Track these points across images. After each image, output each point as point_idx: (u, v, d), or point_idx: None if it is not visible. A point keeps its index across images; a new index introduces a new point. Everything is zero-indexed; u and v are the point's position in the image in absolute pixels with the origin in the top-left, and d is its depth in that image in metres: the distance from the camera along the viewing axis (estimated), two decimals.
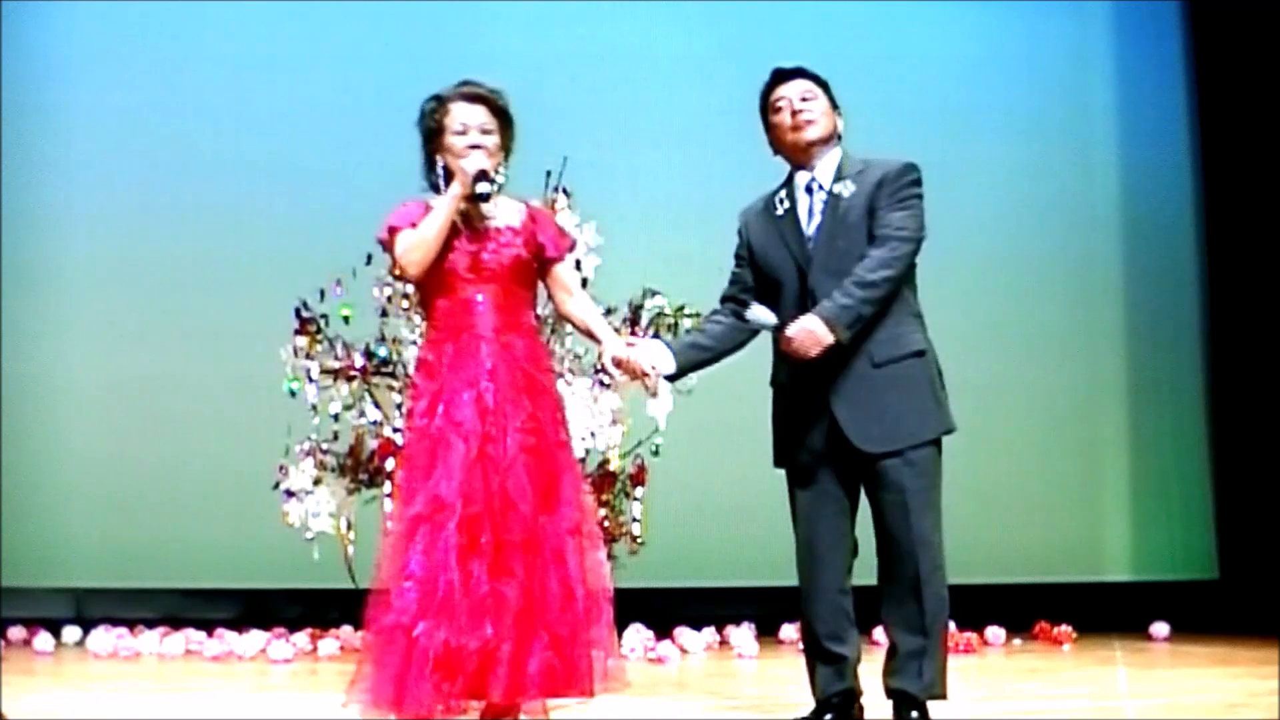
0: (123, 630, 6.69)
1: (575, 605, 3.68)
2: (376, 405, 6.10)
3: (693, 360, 4.12)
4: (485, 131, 3.81)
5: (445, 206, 3.72)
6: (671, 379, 4.17)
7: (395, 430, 5.92)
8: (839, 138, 4.06)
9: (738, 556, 7.19)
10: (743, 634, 6.80)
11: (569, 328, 6.00)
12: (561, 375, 6.01)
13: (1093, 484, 8.11)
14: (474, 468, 3.62)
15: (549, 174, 6.09)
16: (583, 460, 6.06)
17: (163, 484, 7.28)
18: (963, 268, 7.38)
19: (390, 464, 5.86)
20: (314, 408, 6.02)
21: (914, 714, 3.92)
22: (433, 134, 3.83)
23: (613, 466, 6.07)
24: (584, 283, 5.95)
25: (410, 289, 4.76)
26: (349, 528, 6.03)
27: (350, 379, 6.03)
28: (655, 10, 7.89)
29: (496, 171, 3.80)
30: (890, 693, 3.96)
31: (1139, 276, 8.27)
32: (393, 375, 6.08)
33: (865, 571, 4.03)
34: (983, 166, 7.87)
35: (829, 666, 4.00)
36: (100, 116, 7.56)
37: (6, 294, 7.30)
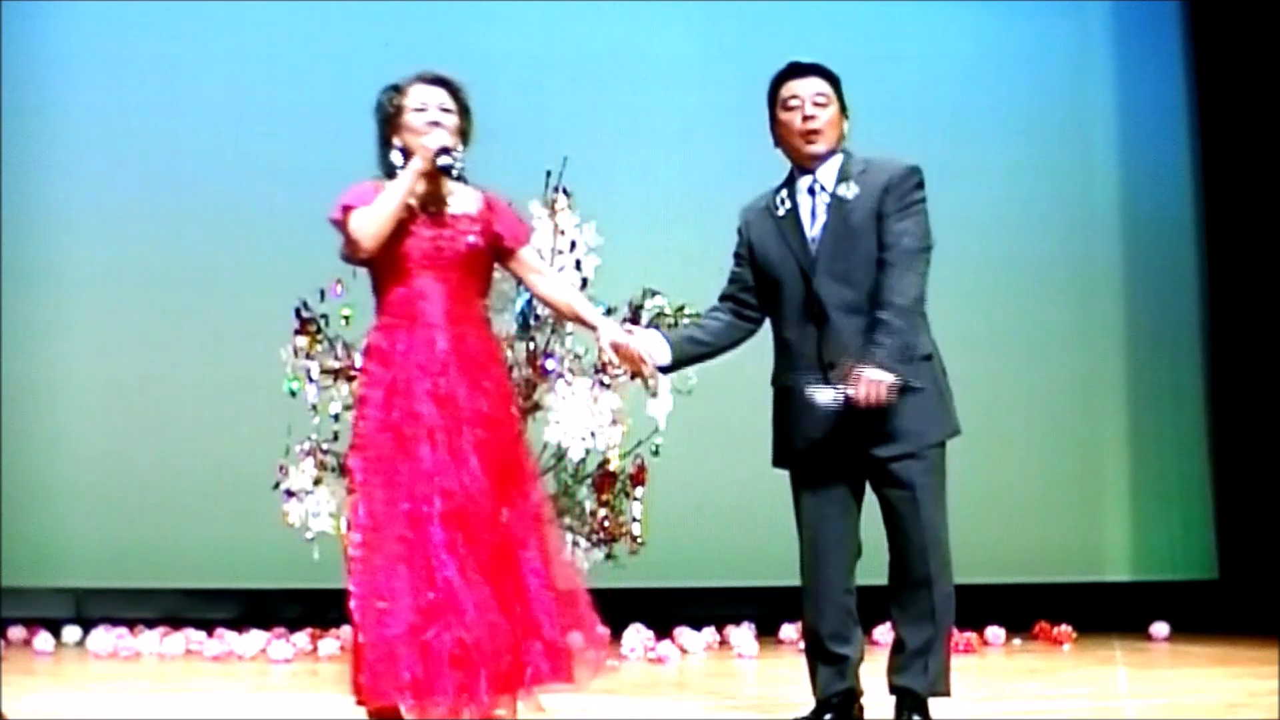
0: (123, 630, 6.69)
1: (546, 595, 3.68)
2: None
3: (688, 354, 4.11)
4: (445, 110, 3.75)
5: (403, 183, 3.65)
6: (665, 370, 4.17)
7: None
8: (842, 142, 4.07)
9: (738, 556, 7.19)
10: (743, 634, 6.80)
11: (569, 327, 6.02)
12: (561, 375, 6.02)
13: (1093, 484, 8.11)
14: (442, 463, 3.58)
15: (549, 174, 6.09)
16: (583, 460, 6.07)
17: (163, 484, 7.28)
18: (963, 268, 7.37)
19: None
20: (314, 408, 6.01)
21: (915, 717, 3.93)
22: (390, 117, 3.77)
23: (613, 466, 6.07)
24: (584, 283, 5.96)
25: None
26: (349, 528, 6.02)
27: (350, 379, 6.02)
28: (655, 10, 7.90)
29: (457, 152, 3.73)
30: (894, 689, 3.96)
31: (1139, 276, 8.28)
32: None
33: (864, 572, 4.03)
34: (983, 166, 7.87)
35: (830, 667, 4.00)
36: (100, 116, 7.56)
37: (6, 294, 7.30)
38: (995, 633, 7.05)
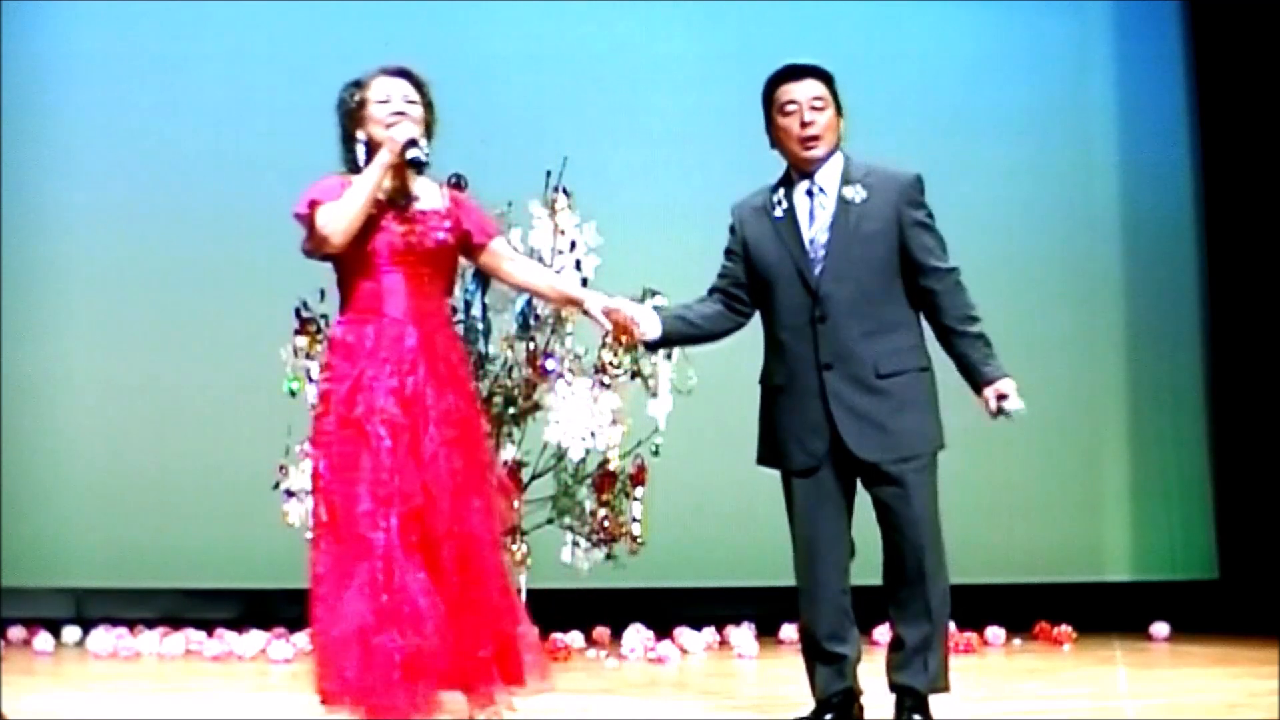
0: (123, 630, 6.69)
1: (503, 598, 3.68)
2: None
3: (678, 332, 4.13)
4: (410, 101, 3.72)
5: (372, 176, 3.62)
6: (653, 346, 4.18)
7: None
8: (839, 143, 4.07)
9: (738, 556, 7.18)
10: (743, 634, 6.80)
11: (569, 327, 6.02)
12: (561, 375, 6.01)
13: (1093, 484, 8.11)
14: (403, 462, 3.54)
15: (549, 174, 6.09)
16: (583, 460, 6.07)
17: (163, 484, 7.27)
18: (962, 268, 7.35)
19: None
20: (314, 408, 6.01)
21: (916, 716, 3.93)
22: (353, 112, 3.74)
23: (613, 466, 6.07)
24: (584, 283, 5.95)
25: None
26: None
27: None
28: (655, 10, 7.89)
29: (424, 144, 3.69)
30: (894, 687, 3.97)
31: (1139, 277, 8.27)
32: None
33: (863, 571, 4.03)
34: (983, 166, 7.87)
35: (829, 666, 4.01)
36: (100, 116, 7.55)
37: (6, 294, 7.30)
38: (995, 633, 7.05)
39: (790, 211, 4.02)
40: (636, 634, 6.52)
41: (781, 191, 4.06)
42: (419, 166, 3.68)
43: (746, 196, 4.15)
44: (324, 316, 6.05)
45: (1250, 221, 7.95)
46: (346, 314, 3.71)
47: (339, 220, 3.61)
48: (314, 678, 3.58)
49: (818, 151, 3.98)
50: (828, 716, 4.00)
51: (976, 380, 3.93)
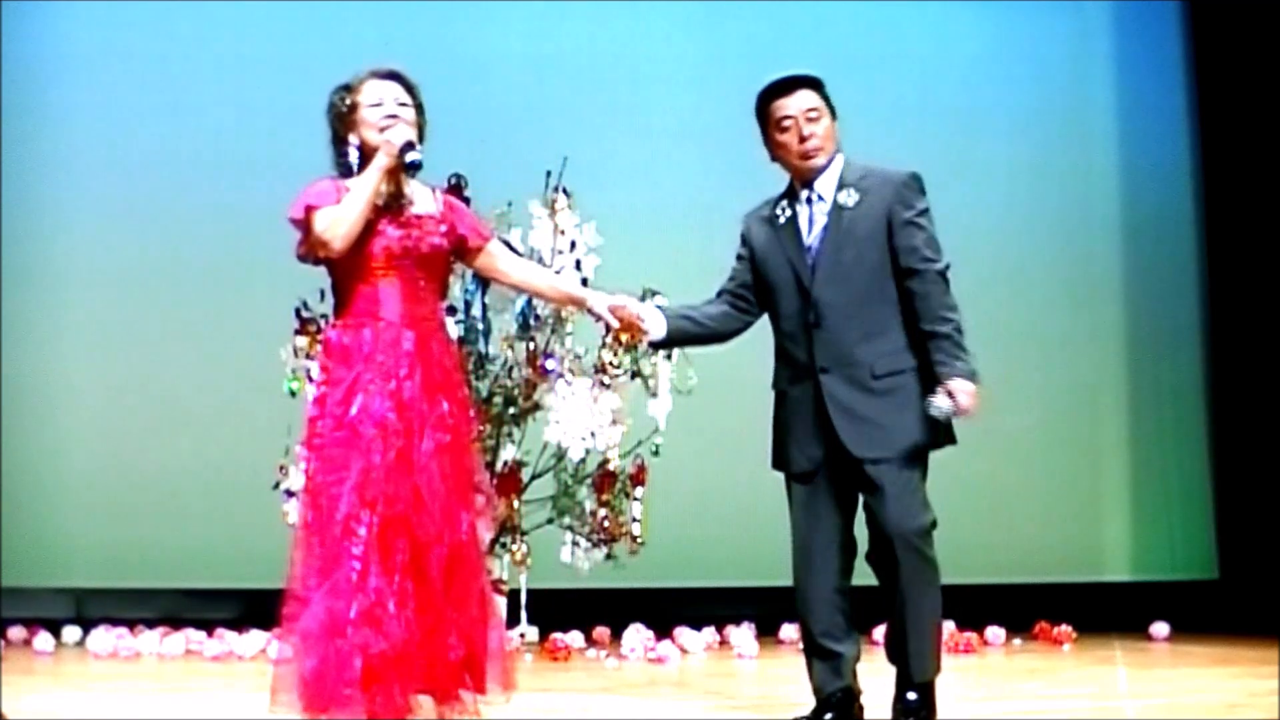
0: (123, 630, 6.68)
1: (482, 606, 3.67)
2: None
3: (683, 331, 4.14)
4: (402, 105, 3.70)
5: (370, 180, 3.61)
6: (656, 346, 4.19)
7: None
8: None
9: (738, 556, 7.18)
10: (743, 634, 6.80)
11: (569, 327, 6.03)
12: (561, 375, 6.01)
13: (1093, 484, 8.12)
14: (392, 467, 3.53)
15: (549, 174, 6.09)
16: (583, 460, 6.07)
17: (163, 484, 7.27)
18: (962, 268, 7.27)
19: None
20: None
21: (910, 694, 3.96)
22: (345, 115, 3.71)
23: (613, 466, 6.07)
24: (584, 283, 5.96)
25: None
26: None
27: None
28: (655, 10, 7.90)
29: (419, 147, 3.69)
30: (891, 662, 4.01)
31: (1139, 277, 8.28)
32: None
33: (864, 571, 4.04)
34: (983, 166, 7.87)
35: (825, 663, 4.03)
36: (100, 116, 7.56)
37: (6, 294, 7.30)
38: (995, 633, 7.05)
39: (792, 219, 4.06)
40: (636, 634, 6.51)
41: (785, 201, 4.10)
42: (415, 169, 3.67)
43: (756, 207, 4.19)
44: (324, 316, 6.04)
45: (1250, 221, 7.95)
46: (343, 317, 3.70)
47: (340, 225, 3.60)
48: (273, 676, 3.57)
49: (818, 161, 4.02)
50: (828, 716, 4.01)
51: (937, 375, 3.92)
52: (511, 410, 6.08)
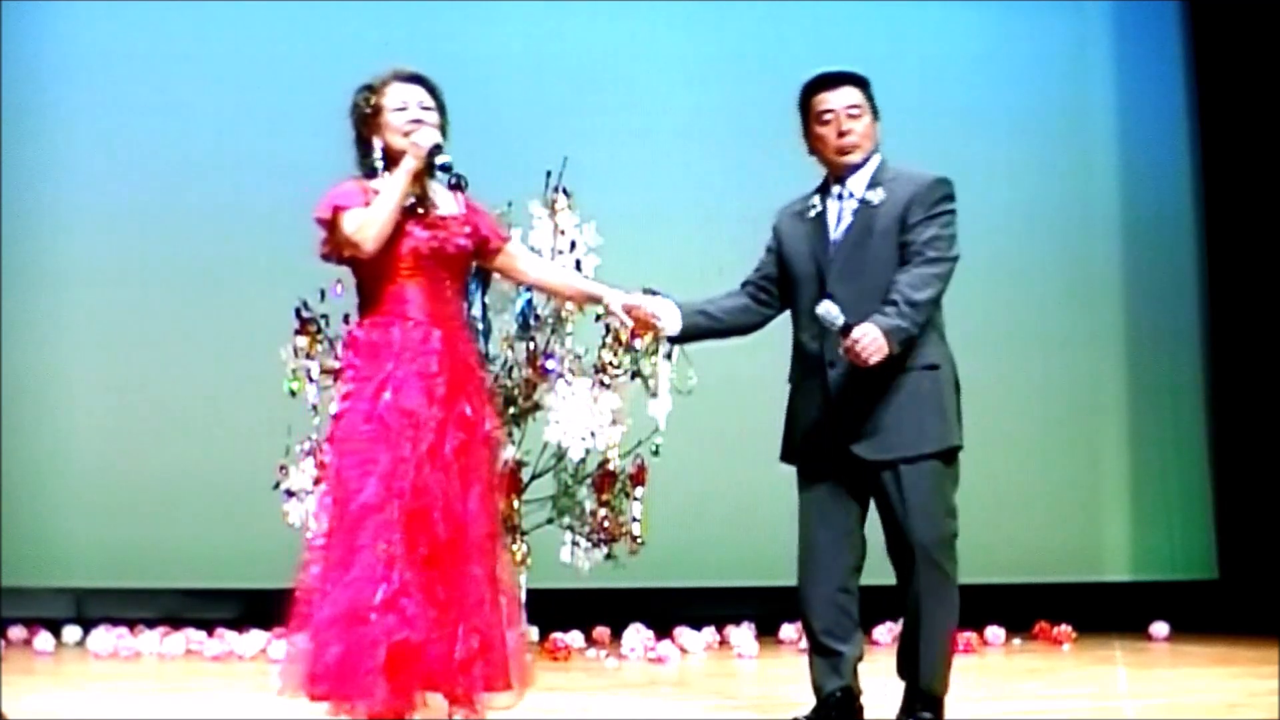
0: (123, 630, 6.68)
1: (498, 601, 3.68)
2: None
3: (698, 327, 4.14)
4: (425, 108, 3.74)
5: (399, 183, 3.64)
6: (675, 340, 4.18)
7: None
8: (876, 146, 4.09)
9: (738, 556, 7.18)
10: (743, 634, 6.80)
11: (569, 327, 6.02)
12: (561, 375, 6.01)
13: (1093, 484, 8.12)
14: (421, 460, 3.57)
15: (549, 174, 6.09)
16: (583, 460, 6.07)
17: (163, 484, 7.27)
18: (962, 267, 7.31)
19: None
20: (314, 408, 6.01)
21: (917, 704, 3.95)
22: (368, 118, 3.75)
23: (613, 466, 6.07)
24: None
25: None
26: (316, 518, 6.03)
27: None
28: (655, 10, 7.90)
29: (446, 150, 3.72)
30: (900, 676, 4.01)
31: (1139, 277, 8.27)
32: None
33: (867, 571, 4.04)
34: (982, 166, 7.83)
35: (825, 661, 4.03)
36: (100, 116, 7.55)
37: (6, 294, 7.30)
38: (995, 633, 7.05)
39: (821, 214, 4.06)
40: (636, 634, 6.52)
41: (818, 196, 4.10)
42: (447, 171, 3.69)
43: (790, 202, 4.18)
44: (324, 316, 6.06)
45: (1250, 221, 7.95)
46: (369, 316, 3.73)
47: (370, 227, 3.61)
48: (284, 669, 3.60)
49: (854, 158, 4.02)
50: (826, 715, 4.01)
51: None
52: (511, 410, 6.07)
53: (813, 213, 4.07)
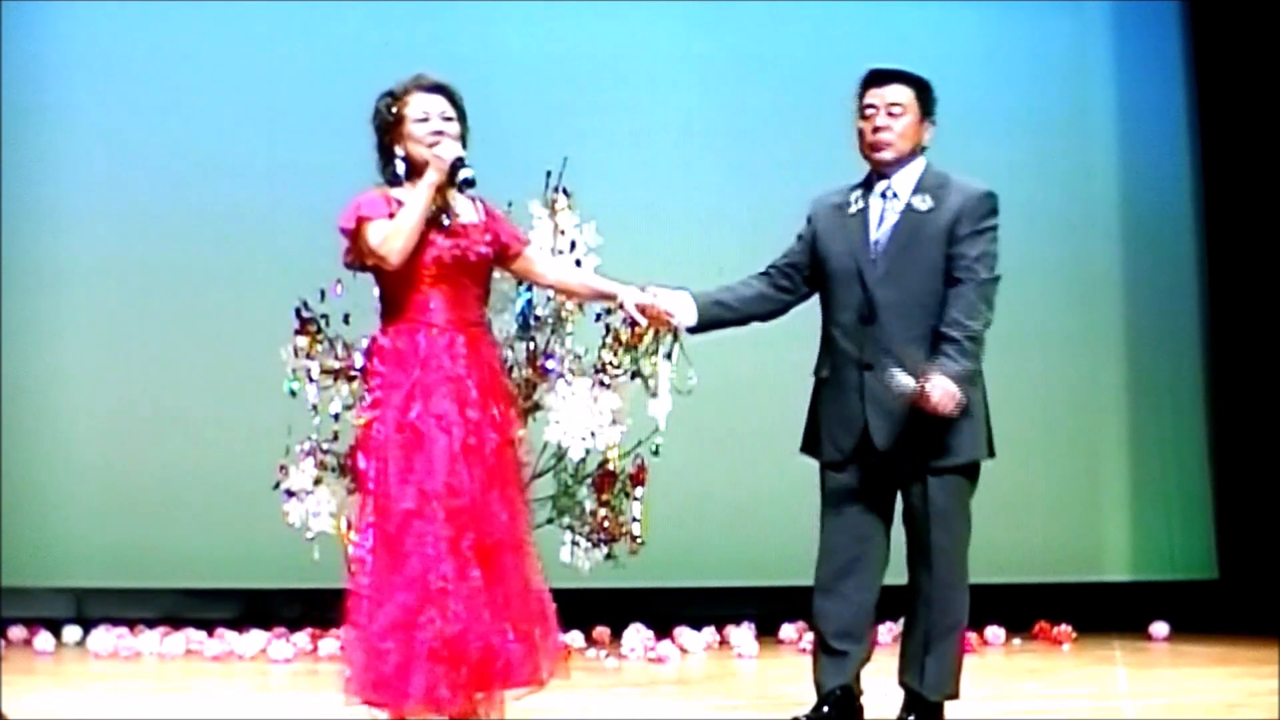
0: (123, 630, 6.69)
1: (532, 597, 3.75)
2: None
3: (715, 317, 4.14)
4: (447, 119, 3.78)
5: (423, 196, 3.68)
6: (693, 331, 4.20)
7: None
8: (923, 148, 4.09)
9: (738, 556, 7.18)
10: (743, 634, 6.80)
11: (569, 327, 6.02)
12: (561, 375, 6.01)
13: (1093, 484, 8.11)
14: (456, 461, 3.63)
15: (549, 174, 6.08)
16: (583, 460, 6.06)
17: (163, 484, 7.27)
18: None
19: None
20: (314, 408, 6.01)
21: (911, 715, 3.95)
22: (390, 126, 3.79)
23: (613, 466, 6.06)
24: None
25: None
26: (349, 528, 6.02)
27: (350, 379, 6.02)
28: (655, 10, 7.89)
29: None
30: (901, 685, 4.01)
31: (1139, 277, 8.27)
32: None
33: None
34: (983, 166, 7.77)
35: (830, 660, 4.05)
36: (100, 116, 7.55)
37: (6, 294, 7.30)
38: (995, 633, 7.06)
39: (862, 211, 4.06)
40: (636, 634, 6.52)
41: (860, 191, 4.11)
42: (470, 186, 3.73)
43: (828, 192, 4.18)
44: (324, 316, 6.05)
45: (1250, 222, 7.95)
46: (395, 323, 3.77)
47: (395, 240, 3.65)
48: (346, 677, 3.64)
49: (884, 155, 4.04)
50: (825, 710, 4.01)
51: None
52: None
53: (853, 208, 4.07)
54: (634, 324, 5.84)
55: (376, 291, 3.88)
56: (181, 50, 7.61)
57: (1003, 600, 7.16)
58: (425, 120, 3.75)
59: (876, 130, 4.04)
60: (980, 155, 7.92)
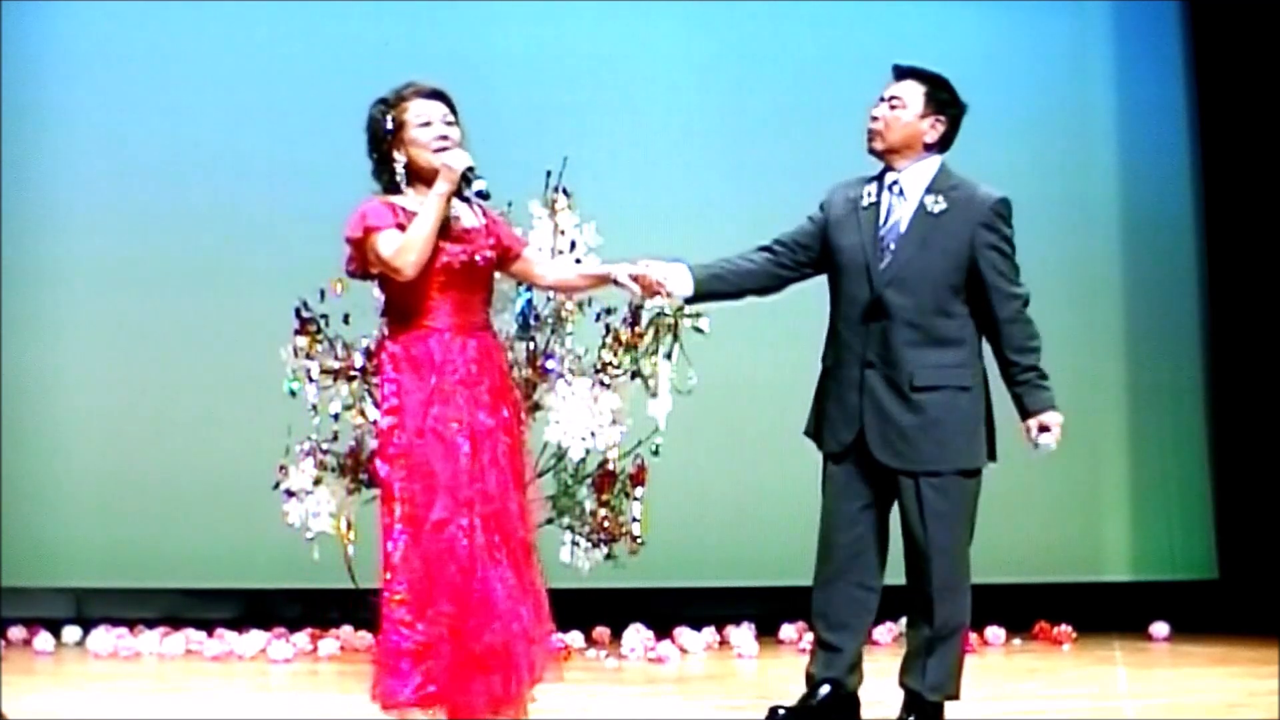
0: (123, 630, 6.69)
1: (542, 597, 3.78)
2: (377, 405, 6.08)
3: (713, 289, 4.16)
4: (449, 124, 3.78)
5: (435, 206, 3.68)
6: (690, 300, 4.21)
7: None
8: (940, 146, 4.09)
9: (738, 556, 7.18)
10: (743, 634, 6.80)
11: (569, 327, 6.02)
12: (561, 375, 6.01)
13: (1093, 484, 8.10)
14: (483, 467, 3.66)
15: (549, 174, 6.08)
16: (583, 460, 6.07)
17: (163, 484, 7.27)
18: None
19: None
20: (314, 408, 6.01)
21: (912, 717, 3.96)
22: (389, 133, 3.78)
23: (613, 466, 6.06)
24: None
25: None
26: (349, 528, 6.03)
27: (350, 379, 6.02)
28: (655, 10, 7.89)
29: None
30: (901, 686, 4.01)
31: (1139, 277, 8.27)
32: None
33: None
34: (983, 166, 7.79)
35: (824, 652, 4.07)
36: (100, 116, 7.55)
37: (6, 294, 7.30)
38: (995, 633, 7.06)
39: (875, 205, 4.08)
40: (636, 634, 6.52)
41: (874, 185, 4.11)
42: (484, 198, 3.76)
43: (845, 182, 4.20)
44: (324, 316, 6.05)
45: (1250, 221, 7.95)
46: (406, 330, 3.77)
47: (409, 252, 3.65)
48: (378, 681, 3.65)
49: (875, 144, 4.09)
50: (808, 705, 4.02)
51: (1023, 410, 3.96)
52: None
53: (866, 201, 4.09)
54: (634, 323, 5.88)
55: (380, 296, 3.88)
56: (181, 50, 7.61)
57: (1003, 600, 7.15)
58: (428, 125, 3.75)
59: (871, 120, 4.06)
60: (980, 155, 7.90)
